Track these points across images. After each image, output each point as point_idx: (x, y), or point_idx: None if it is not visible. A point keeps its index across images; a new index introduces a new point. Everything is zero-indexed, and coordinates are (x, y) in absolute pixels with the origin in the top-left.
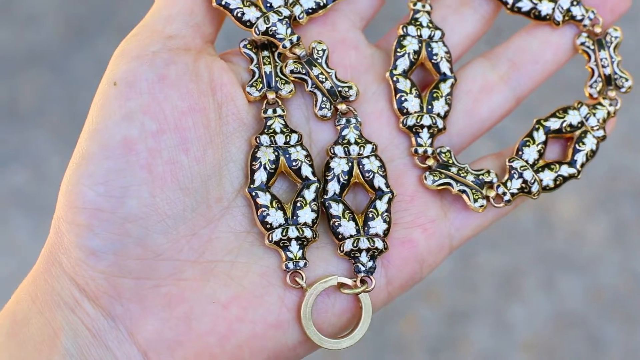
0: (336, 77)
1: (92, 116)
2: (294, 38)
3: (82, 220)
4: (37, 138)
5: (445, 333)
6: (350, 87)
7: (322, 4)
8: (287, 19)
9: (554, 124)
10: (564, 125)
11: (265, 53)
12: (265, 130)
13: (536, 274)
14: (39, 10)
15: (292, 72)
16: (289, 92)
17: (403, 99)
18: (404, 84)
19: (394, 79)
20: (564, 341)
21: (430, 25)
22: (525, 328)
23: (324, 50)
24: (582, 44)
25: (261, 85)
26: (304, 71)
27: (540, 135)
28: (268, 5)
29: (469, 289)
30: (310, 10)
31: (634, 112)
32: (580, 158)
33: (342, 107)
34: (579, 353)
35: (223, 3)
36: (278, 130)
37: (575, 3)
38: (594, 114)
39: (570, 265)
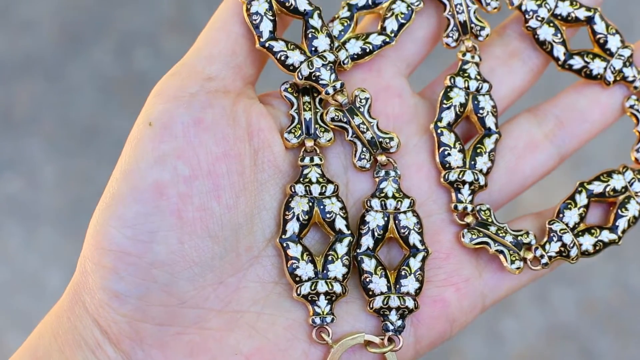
0: (378, 127)
1: (125, 155)
2: (338, 84)
3: (107, 262)
4: (32, 146)
5: (446, 344)
6: (391, 139)
7: (368, 50)
8: (331, 64)
9: (597, 187)
10: (608, 189)
11: (307, 98)
12: (301, 180)
13: (529, 286)
14: (34, 17)
15: (332, 119)
16: (328, 141)
17: (446, 153)
18: (448, 138)
19: (439, 131)
20: (556, 354)
21: (479, 77)
22: (518, 340)
23: (367, 99)
24: (631, 106)
25: (300, 131)
26: (345, 119)
27: (582, 199)
28: (313, 49)
29: None
30: (355, 56)
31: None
32: (622, 224)
33: (381, 158)
34: None
35: (267, 45)
36: (314, 180)
37: (627, 64)
38: (639, 180)
39: (563, 277)
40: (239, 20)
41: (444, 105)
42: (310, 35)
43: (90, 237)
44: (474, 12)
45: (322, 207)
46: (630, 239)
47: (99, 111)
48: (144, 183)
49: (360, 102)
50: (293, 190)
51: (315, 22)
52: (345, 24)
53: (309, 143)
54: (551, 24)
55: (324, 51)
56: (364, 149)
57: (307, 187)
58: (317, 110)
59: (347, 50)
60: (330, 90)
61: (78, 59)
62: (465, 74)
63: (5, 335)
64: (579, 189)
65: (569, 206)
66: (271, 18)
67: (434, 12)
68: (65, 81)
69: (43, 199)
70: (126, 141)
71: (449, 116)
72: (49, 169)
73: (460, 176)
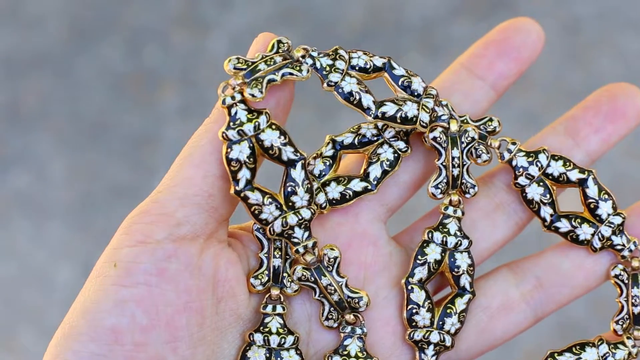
0: (347, 286)
1: (87, 289)
2: (310, 243)
3: None
4: (40, 141)
5: None
6: (360, 298)
7: (347, 197)
8: (306, 222)
9: (567, 359)
10: None
11: (278, 243)
12: (261, 328)
13: None
14: (43, 13)
15: (299, 279)
16: (295, 292)
17: (414, 311)
18: (417, 295)
19: (409, 287)
20: None
21: (458, 233)
22: (528, 338)
23: (335, 258)
24: (617, 276)
25: (266, 278)
26: (312, 279)
27: None
28: (290, 204)
29: None
30: (334, 201)
31: None
32: None
33: (349, 317)
34: None
35: (242, 196)
36: (274, 330)
37: (617, 232)
38: (614, 354)
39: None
40: (218, 159)
41: (418, 261)
42: (289, 189)
43: (49, 355)
44: (467, 169)
45: (279, 359)
46: None
47: (108, 107)
48: (102, 325)
49: (329, 261)
50: (251, 339)
51: (298, 174)
52: (328, 163)
53: (275, 292)
54: (541, 183)
55: (302, 207)
56: (332, 308)
57: (266, 337)
58: (288, 257)
59: (326, 193)
60: (301, 250)
61: (87, 54)
62: (445, 229)
63: (14, 330)
64: (549, 359)
65: None
66: (251, 166)
67: (421, 157)
68: (74, 77)
69: (52, 194)
70: (91, 272)
71: (421, 273)
72: (58, 164)
73: (426, 336)
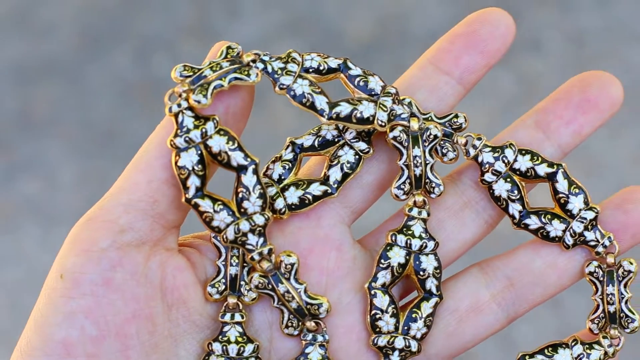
0: (306, 293)
1: (39, 304)
2: (265, 250)
3: None
4: (51, 148)
5: None
6: (320, 305)
7: (307, 202)
8: (260, 228)
9: None
10: None
11: (236, 251)
12: (220, 337)
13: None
14: (54, 21)
15: (257, 287)
16: (253, 300)
17: (377, 317)
18: (381, 300)
19: (372, 292)
20: None
21: (424, 235)
22: (531, 345)
23: (292, 265)
24: (591, 273)
25: (223, 286)
26: (270, 287)
27: None
28: (242, 210)
29: None
30: (293, 206)
31: None
32: None
33: (310, 324)
34: None
35: (192, 203)
36: (233, 339)
37: (590, 227)
38: (588, 355)
39: (577, 282)
40: (164, 164)
41: (381, 265)
42: (241, 195)
43: None
44: (431, 167)
45: None
46: None
47: (117, 114)
48: (53, 339)
49: (286, 267)
50: (210, 348)
51: (249, 179)
52: (287, 166)
53: (232, 300)
54: (508, 179)
55: (255, 213)
56: (292, 316)
57: (225, 347)
58: (245, 265)
59: (285, 199)
60: (256, 257)
61: (97, 62)
62: (409, 231)
63: (20, 334)
64: None
65: None
66: (200, 173)
67: (385, 157)
68: (84, 84)
69: (61, 200)
70: (42, 287)
71: (385, 277)
72: (68, 170)
73: (391, 342)
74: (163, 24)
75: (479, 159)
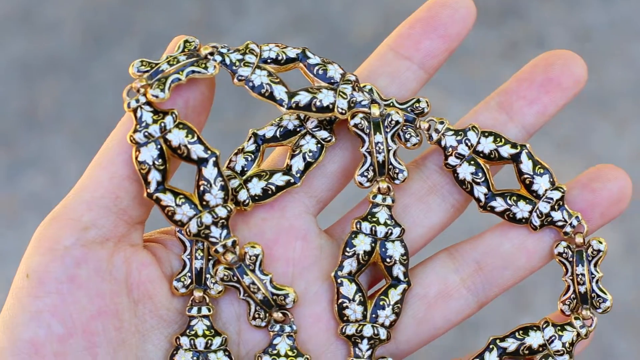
0: (272, 283)
1: (7, 304)
2: (229, 242)
3: None
4: (55, 144)
5: (455, 344)
6: (286, 295)
7: (270, 192)
8: (223, 220)
9: (511, 345)
10: (522, 348)
11: (200, 245)
12: (187, 332)
13: (548, 287)
14: (58, 18)
15: (222, 279)
16: (218, 293)
17: (344, 305)
18: (347, 289)
19: (339, 281)
20: (575, 354)
21: (389, 222)
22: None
23: (257, 256)
24: (560, 254)
25: (189, 280)
26: (235, 279)
27: (492, 358)
28: (204, 203)
29: None
30: (256, 197)
31: None
32: None
33: (277, 315)
34: None
35: (154, 198)
36: (200, 332)
37: (557, 207)
38: (560, 337)
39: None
40: (125, 160)
41: (347, 254)
42: (202, 188)
43: None
44: (394, 153)
45: None
46: None
47: (121, 111)
48: (20, 338)
49: (250, 259)
50: (178, 343)
51: (209, 172)
52: (250, 158)
53: (198, 294)
54: (472, 162)
55: (217, 205)
56: (258, 307)
57: (192, 340)
58: (210, 258)
59: (248, 190)
60: (220, 249)
61: (101, 59)
62: (374, 219)
63: None
64: (490, 346)
65: None
66: (160, 167)
67: (349, 145)
68: (88, 80)
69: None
70: (10, 288)
71: (351, 265)
72: (73, 166)
73: (359, 330)
74: (167, 20)
75: (442, 143)
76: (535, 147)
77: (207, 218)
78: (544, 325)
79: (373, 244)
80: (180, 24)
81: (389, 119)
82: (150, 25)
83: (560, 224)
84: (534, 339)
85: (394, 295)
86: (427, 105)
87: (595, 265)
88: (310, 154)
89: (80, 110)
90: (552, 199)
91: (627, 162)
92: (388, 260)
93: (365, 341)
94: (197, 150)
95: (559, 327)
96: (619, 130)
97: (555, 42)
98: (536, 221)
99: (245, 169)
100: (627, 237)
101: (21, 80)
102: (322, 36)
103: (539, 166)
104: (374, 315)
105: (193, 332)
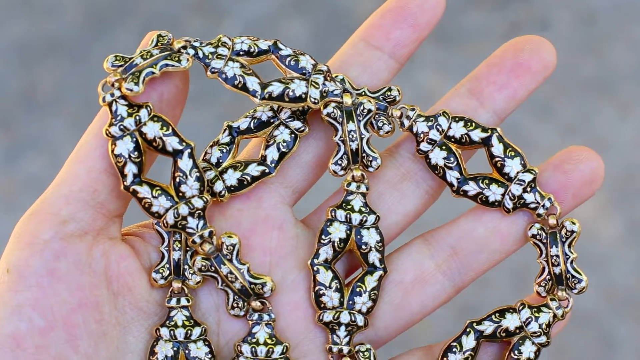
0: (249, 272)
1: None
2: (206, 233)
3: None
4: (55, 126)
5: (455, 328)
6: (264, 284)
7: (245, 182)
8: (199, 211)
9: (488, 328)
10: (499, 330)
11: (178, 236)
12: (167, 322)
13: None
14: (58, 0)
15: (200, 270)
16: (197, 283)
17: (321, 292)
18: (324, 276)
19: (315, 268)
20: (576, 340)
21: (363, 209)
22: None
23: (234, 245)
24: (534, 235)
25: (168, 271)
26: (212, 269)
27: (469, 341)
28: (180, 194)
29: (480, 284)
30: (232, 188)
31: None
32: None
33: (255, 303)
34: (592, 352)
35: (131, 190)
36: (180, 323)
37: (529, 189)
38: (537, 318)
39: (584, 264)
40: (102, 154)
41: (322, 241)
42: (178, 180)
43: None
44: (367, 141)
45: (187, 352)
46: None
47: None
48: (2, 333)
49: (228, 249)
50: (158, 334)
51: (185, 163)
52: (225, 150)
53: (177, 284)
54: (444, 147)
55: (192, 197)
56: (236, 297)
57: (172, 331)
58: (188, 249)
59: (224, 181)
60: (197, 240)
61: (102, 41)
62: (349, 206)
63: None
64: (467, 329)
65: (454, 349)
66: (136, 160)
67: (323, 135)
68: (89, 63)
69: None
70: None
71: (327, 253)
72: (72, 149)
73: (336, 317)
74: (169, 2)
75: (414, 130)
76: (539, 131)
77: (183, 209)
78: (520, 307)
79: (348, 232)
80: (182, 5)
81: (361, 108)
82: (152, 7)
83: (533, 206)
84: (511, 321)
85: (371, 281)
86: (399, 93)
87: (569, 246)
88: (284, 144)
89: (80, 93)
90: (524, 181)
91: (631, 146)
92: (364, 247)
93: (342, 328)
94: (172, 143)
95: (535, 309)
96: (623, 114)
97: (559, 25)
98: (509, 204)
99: (221, 160)
100: (629, 222)
101: (21, 62)
102: (323, 17)
103: (510, 149)
104: (350, 302)
105: (173, 323)
